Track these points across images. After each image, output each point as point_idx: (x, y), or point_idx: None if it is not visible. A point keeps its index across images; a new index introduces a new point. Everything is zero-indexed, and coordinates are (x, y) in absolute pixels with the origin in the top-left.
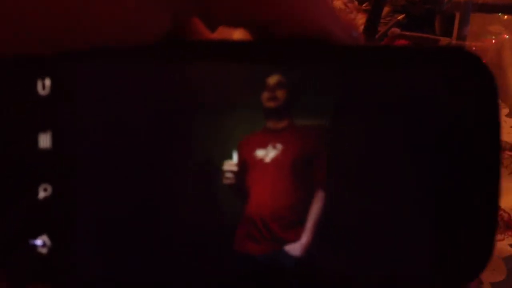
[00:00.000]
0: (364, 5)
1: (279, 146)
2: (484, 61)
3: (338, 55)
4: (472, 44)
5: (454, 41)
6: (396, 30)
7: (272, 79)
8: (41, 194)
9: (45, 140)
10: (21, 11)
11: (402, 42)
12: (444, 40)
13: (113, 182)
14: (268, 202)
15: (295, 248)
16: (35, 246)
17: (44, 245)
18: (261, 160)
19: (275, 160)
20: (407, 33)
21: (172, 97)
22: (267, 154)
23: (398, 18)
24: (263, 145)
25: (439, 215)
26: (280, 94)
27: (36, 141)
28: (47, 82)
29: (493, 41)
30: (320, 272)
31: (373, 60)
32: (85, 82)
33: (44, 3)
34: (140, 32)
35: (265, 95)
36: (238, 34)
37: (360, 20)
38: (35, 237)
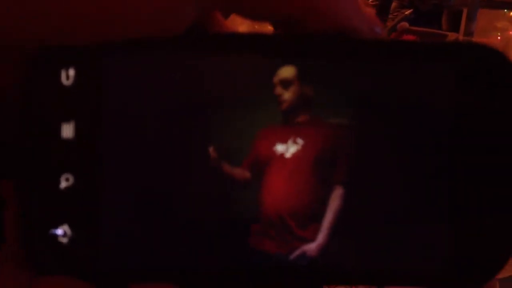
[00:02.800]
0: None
1: (300, 141)
2: None
3: (361, 49)
4: (478, 40)
5: (461, 37)
6: (405, 25)
7: (288, 72)
8: (63, 184)
9: (68, 130)
10: (52, 3)
11: (410, 37)
12: (451, 36)
13: (134, 172)
14: (287, 198)
15: (310, 248)
16: (56, 236)
17: (65, 234)
18: (281, 155)
19: (295, 156)
20: (415, 28)
21: (194, 89)
22: (287, 149)
23: (406, 13)
24: (283, 140)
25: (457, 214)
26: (297, 88)
27: (59, 131)
28: (71, 72)
29: (499, 37)
30: (336, 271)
31: (396, 55)
32: (108, 72)
33: None
34: (166, 24)
35: (281, 89)
36: (244, 26)
37: None
38: (56, 227)
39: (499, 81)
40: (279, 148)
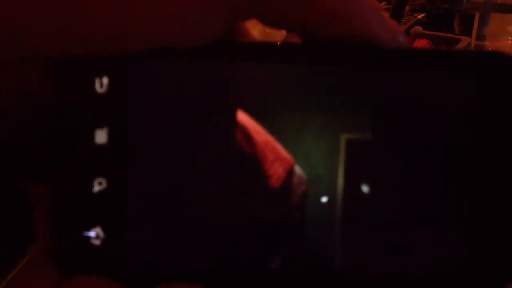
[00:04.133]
0: (382, 3)
1: None
2: None
3: (382, 58)
4: (490, 45)
5: (473, 41)
6: (419, 29)
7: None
8: (96, 188)
9: (101, 136)
10: (86, 14)
11: (423, 41)
12: (464, 40)
13: (165, 176)
14: None
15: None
16: (88, 238)
17: (97, 237)
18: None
19: None
20: (428, 32)
21: (222, 96)
22: None
23: (419, 17)
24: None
25: (472, 220)
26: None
27: (92, 137)
28: (105, 80)
29: (510, 41)
30: (356, 275)
31: (416, 64)
32: (140, 80)
33: (109, 4)
34: (195, 37)
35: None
36: (255, 32)
37: None
38: (89, 229)
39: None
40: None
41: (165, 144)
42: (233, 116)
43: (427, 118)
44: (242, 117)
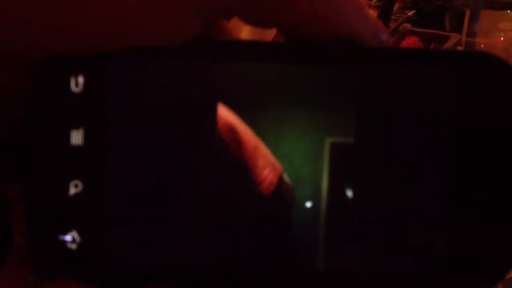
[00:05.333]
0: (373, 1)
1: None
2: None
3: (365, 57)
4: (481, 41)
5: (464, 38)
6: (408, 26)
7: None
8: (72, 190)
9: (77, 137)
10: (65, 11)
11: (413, 38)
12: (454, 37)
13: (143, 178)
14: None
15: None
16: (64, 242)
17: (73, 240)
18: None
19: None
20: (418, 29)
21: (202, 95)
22: None
23: (409, 14)
24: None
25: (455, 222)
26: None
27: (68, 138)
28: (80, 79)
29: (502, 38)
30: (332, 274)
31: (399, 64)
32: (117, 80)
33: (88, 3)
34: (172, 35)
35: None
36: (245, 31)
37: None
38: (65, 232)
39: (499, 88)
40: None
41: (144, 146)
42: (215, 116)
43: (411, 120)
44: (229, 118)
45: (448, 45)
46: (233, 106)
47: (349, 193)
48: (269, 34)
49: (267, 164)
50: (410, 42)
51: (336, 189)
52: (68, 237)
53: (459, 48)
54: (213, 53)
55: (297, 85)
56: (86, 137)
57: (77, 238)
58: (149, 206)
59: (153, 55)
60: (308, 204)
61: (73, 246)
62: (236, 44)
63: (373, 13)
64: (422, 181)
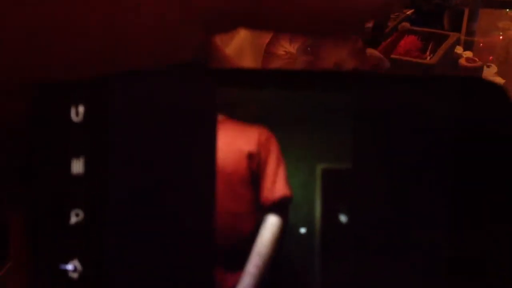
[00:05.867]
0: None
1: None
2: (490, 58)
3: (361, 83)
4: (480, 40)
5: (463, 37)
6: (406, 25)
7: None
8: (73, 219)
9: (78, 166)
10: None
11: (411, 37)
12: (453, 35)
13: (145, 207)
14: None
15: None
16: (66, 271)
17: (75, 270)
18: None
19: None
20: (417, 28)
21: (206, 121)
22: None
23: (408, 13)
24: None
25: (455, 252)
26: None
27: (69, 167)
28: (81, 108)
29: (501, 37)
30: None
31: (395, 88)
32: (118, 108)
33: (84, 22)
34: (170, 54)
35: None
36: (239, 36)
37: None
38: (66, 262)
39: (498, 115)
40: None
41: (147, 174)
42: (210, 141)
43: (406, 146)
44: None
45: (447, 44)
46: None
47: (343, 220)
48: (266, 37)
49: None
50: (409, 41)
51: (330, 214)
52: (69, 266)
53: (458, 47)
54: (215, 79)
55: (290, 109)
56: (87, 166)
57: (79, 267)
58: (152, 235)
59: (152, 82)
60: (303, 230)
61: (75, 275)
62: (235, 71)
63: None
64: (416, 208)
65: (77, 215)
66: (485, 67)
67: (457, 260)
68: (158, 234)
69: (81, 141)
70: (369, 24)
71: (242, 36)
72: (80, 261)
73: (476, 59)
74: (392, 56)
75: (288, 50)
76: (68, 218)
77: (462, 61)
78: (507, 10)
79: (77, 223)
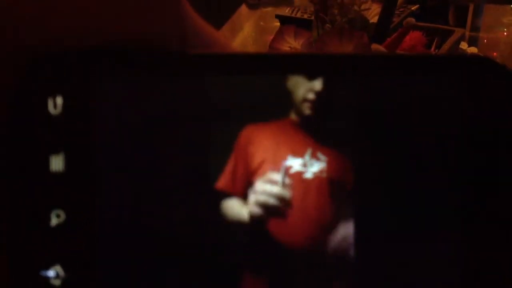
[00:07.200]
0: None
1: (323, 158)
2: (495, 54)
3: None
4: (484, 36)
5: (468, 32)
6: (412, 20)
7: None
8: (54, 221)
9: (57, 163)
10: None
11: (416, 32)
12: (458, 31)
13: (130, 205)
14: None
15: None
16: (47, 278)
17: (57, 276)
18: (298, 175)
19: (317, 178)
20: (422, 23)
21: (189, 111)
22: (306, 166)
23: (412, 8)
24: (299, 153)
25: (468, 271)
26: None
27: (47, 164)
28: (59, 100)
29: (505, 33)
30: None
31: (398, 70)
32: (99, 99)
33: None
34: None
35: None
36: (248, 28)
37: (375, 10)
38: (48, 268)
39: (503, 95)
40: (294, 163)
41: (130, 169)
42: (199, 132)
43: (415, 128)
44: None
45: (452, 39)
46: (221, 117)
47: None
48: (270, 33)
49: None
50: (414, 36)
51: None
52: (51, 273)
53: (463, 43)
54: (205, 67)
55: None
56: (67, 163)
57: (61, 273)
58: (140, 235)
59: (135, 68)
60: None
61: (57, 282)
62: (228, 57)
63: (376, 8)
64: (433, 194)
65: (58, 216)
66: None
67: (472, 279)
68: (147, 232)
69: (60, 135)
70: (374, 20)
71: (245, 32)
72: (63, 267)
73: (481, 55)
74: (397, 51)
75: (292, 46)
76: (49, 219)
77: None
78: (511, 6)
79: (58, 225)
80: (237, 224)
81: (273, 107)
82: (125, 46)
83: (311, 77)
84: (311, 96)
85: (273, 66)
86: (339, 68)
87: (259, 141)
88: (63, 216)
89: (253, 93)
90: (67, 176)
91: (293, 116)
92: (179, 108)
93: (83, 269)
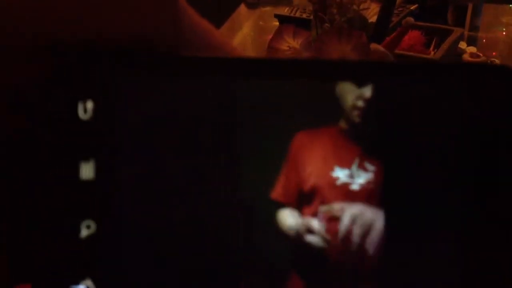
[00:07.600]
0: None
1: (371, 168)
2: (494, 54)
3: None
4: (483, 36)
5: (466, 32)
6: (410, 20)
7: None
8: (84, 232)
9: (87, 170)
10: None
11: (415, 32)
12: (457, 31)
13: (161, 215)
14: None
15: None
16: None
17: None
18: (344, 186)
19: (365, 190)
20: (421, 23)
21: (220, 118)
22: (353, 177)
23: (411, 8)
24: (346, 163)
25: (469, 236)
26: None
27: (77, 172)
28: (89, 105)
29: (504, 32)
30: None
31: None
32: (124, 102)
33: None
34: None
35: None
36: (247, 27)
37: (374, 10)
38: (78, 282)
39: (503, 96)
40: (340, 174)
41: (162, 176)
42: (228, 137)
43: (421, 134)
44: None
45: (451, 39)
46: (244, 122)
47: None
48: (269, 33)
49: None
50: (413, 36)
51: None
52: (81, 287)
53: (462, 42)
54: (232, 71)
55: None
56: (98, 170)
57: (92, 287)
58: (169, 248)
59: (164, 73)
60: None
61: None
62: (254, 62)
63: (375, 7)
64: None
65: (88, 227)
66: (488, 62)
67: (470, 273)
68: (177, 242)
69: (91, 141)
70: (373, 19)
71: (245, 32)
72: (93, 281)
73: (480, 54)
74: (396, 51)
75: (291, 45)
76: (79, 231)
77: (466, 57)
78: (511, 5)
79: (88, 237)
80: (288, 235)
81: (324, 114)
82: (121, 44)
83: (361, 84)
84: (360, 103)
85: (320, 72)
86: (388, 74)
87: (310, 149)
88: (93, 227)
89: (303, 99)
90: (97, 184)
91: (342, 124)
92: (209, 113)
93: (113, 283)
